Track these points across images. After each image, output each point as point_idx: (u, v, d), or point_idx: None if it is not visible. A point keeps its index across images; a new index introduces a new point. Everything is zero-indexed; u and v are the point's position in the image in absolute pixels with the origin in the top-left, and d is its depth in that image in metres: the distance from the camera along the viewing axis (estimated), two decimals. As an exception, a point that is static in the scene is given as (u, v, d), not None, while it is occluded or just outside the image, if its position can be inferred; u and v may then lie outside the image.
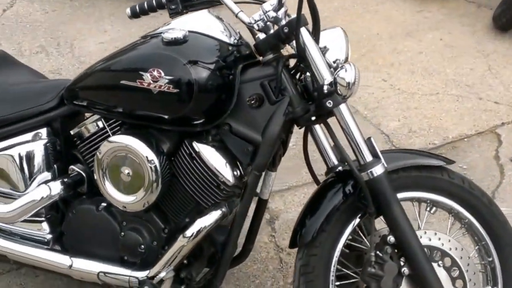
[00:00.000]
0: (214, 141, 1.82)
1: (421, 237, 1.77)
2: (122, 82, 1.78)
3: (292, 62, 1.85)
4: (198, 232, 1.81)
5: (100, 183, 1.87)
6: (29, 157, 2.02)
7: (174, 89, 1.72)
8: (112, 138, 1.83)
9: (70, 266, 1.96)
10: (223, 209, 1.83)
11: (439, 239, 1.81)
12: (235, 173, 1.80)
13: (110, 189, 1.86)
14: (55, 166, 2.04)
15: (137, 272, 1.90)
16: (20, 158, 2.02)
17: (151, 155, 1.78)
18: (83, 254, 1.99)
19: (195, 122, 1.80)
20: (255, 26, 1.79)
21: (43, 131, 2.03)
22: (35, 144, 2.03)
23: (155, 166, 1.78)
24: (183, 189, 1.84)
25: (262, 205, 2.05)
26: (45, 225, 2.06)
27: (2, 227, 2.10)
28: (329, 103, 1.71)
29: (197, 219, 1.82)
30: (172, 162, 1.85)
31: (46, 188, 1.94)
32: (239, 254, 2.12)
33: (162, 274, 1.86)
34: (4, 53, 2.36)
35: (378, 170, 1.72)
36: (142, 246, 1.90)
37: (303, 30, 1.71)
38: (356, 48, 4.14)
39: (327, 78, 1.70)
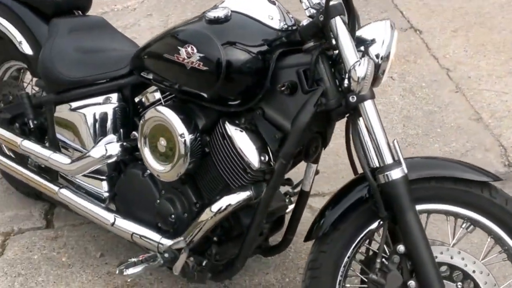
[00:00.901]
0: (246, 123, 1.81)
1: (442, 253, 1.67)
2: (165, 55, 1.85)
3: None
4: (223, 208, 1.83)
5: (141, 149, 1.96)
6: (98, 118, 2.18)
7: (203, 66, 1.75)
8: (155, 108, 1.91)
9: (112, 224, 2.08)
10: (250, 192, 1.83)
11: (463, 258, 1.68)
12: (262, 158, 1.78)
13: (147, 156, 1.95)
14: (121, 130, 2.16)
15: (166, 239, 1.97)
16: (91, 118, 2.18)
17: (182, 129, 1.82)
18: (126, 215, 2.11)
19: (227, 103, 1.81)
20: (307, 12, 1.74)
21: (114, 96, 2.16)
22: (105, 107, 2.17)
23: (185, 141, 1.82)
24: (214, 167, 1.86)
25: (303, 196, 2.03)
26: (104, 184, 2.21)
27: (72, 180, 2.30)
28: (352, 98, 1.63)
29: (224, 197, 1.84)
30: (208, 140, 1.88)
31: (104, 149, 2.07)
32: (279, 244, 2.11)
33: (182, 244, 1.90)
34: (103, 20, 2.54)
35: (395, 174, 1.62)
36: (173, 216, 1.96)
37: (337, 19, 1.63)
38: (508, 49, 3.81)
39: None
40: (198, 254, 1.96)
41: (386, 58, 1.68)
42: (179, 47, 1.79)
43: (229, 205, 1.83)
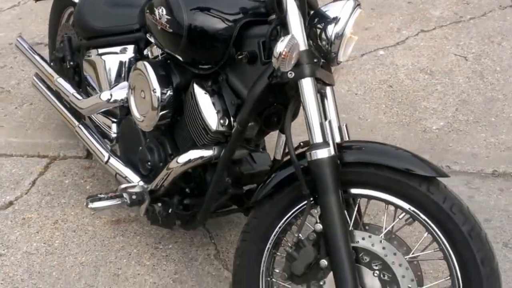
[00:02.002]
0: (212, 87, 1.92)
1: (363, 239, 1.68)
2: (147, 14, 2.00)
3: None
4: (185, 162, 1.95)
5: (129, 97, 2.14)
6: (115, 66, 2.39)
7: (169, 28, 1.87)
8: (140, 62, 2.07)
9: (106, 162, 2.31)
10: (211, 152, 1.95)
11: (384, 248, 1.66)
12: (221, 121, 1.88)
13: (132, 104, 2.13)
14: None
15: (142, 183, 2.15)
16: (109, 64, 2.40)
17: (156, 85, 1.98)
18: (120, 156, 2.33)
19: (195, 65, 1.92)
20: None
21: (130, 48, 2.36)
22: (122, 57, 2.38)
23: (157, 96, 1.98)
24: (185, 124, 2.00)
25: (276, 163, 2.09)
26: (114, 126, 2.44)
27: (92, 118, 2.55)
28: (290, 74, 1.65)
29: (189, 152, 1.97)
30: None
31: (109, 94, 2.29)
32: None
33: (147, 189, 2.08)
34: None
35: (320, 154, 1.63)
36: (149, 163, 2.14)
37: None
38: None
39: None
40: (165, 202, 2.12)
41: (339, 37, 1.67)
42: (154, 8, 1.93)
43: (190, 160, 1.96)
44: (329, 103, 1.82)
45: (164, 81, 1.99)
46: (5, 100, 3.47)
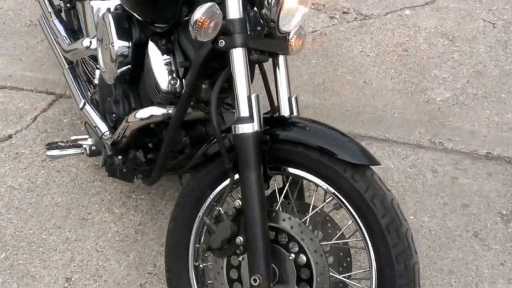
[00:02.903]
0: (167, 46, 1.91)
1: (284, 220, 1.67)
2: None
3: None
4: (141, 117, 1.96)
5: (97, 47, 2.16)
6: (101, 13, 2.40)
7: None
8: (105, 13, 2.07)
9: (81, 108, 2.37)
10: (164, 110, 1.94)
11: (301, 232, 1.64)
12: (172, 82, 1.88)
13: (98, 55, 2.14)
14: None
15: (108, 133, 2.20)
16: (95, 10, 2.38)
17: (114, 38, 1.98)
18: (96, 105, 2.37)
19: (148, 21, 1.93)
20: None
21: None
22: (109, 4, 2.38)
23: (114, 49, 1.98)
24: (144, 81, 2.01)
25: None
26: (97, 73, 2.47)
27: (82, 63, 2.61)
28: (220, 43, 1.62)
29: (146, 108, 1.98)
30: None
31: (89, 41, 2.31)
32: None
33: (109, 141, 2.13)
34: None
35: (242, 129, 1.60)
36: (114, 115, 2.17)
37: None
38: None
39: None
40: (125, 155, 2.17)
41: (275, 4, 1.61)
42: None
43: (145, 116, 1.97)
44: (281, 73, 1.79)
45: (123, 35, 1.99)
46: (30, 34, 3.59)
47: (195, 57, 1.77)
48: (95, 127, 2.29)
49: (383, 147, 2.65)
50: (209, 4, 1.55)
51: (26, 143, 2.79)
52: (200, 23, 1.53)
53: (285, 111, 1.81)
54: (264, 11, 1.64)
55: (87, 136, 2.19)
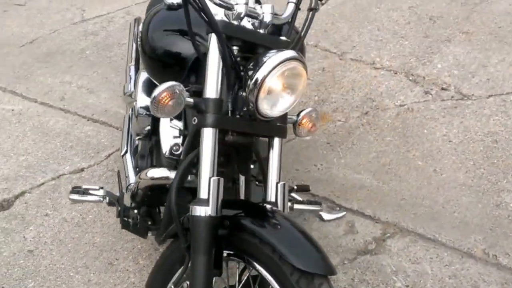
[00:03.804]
0: None
1: None
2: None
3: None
4: (148, 176, 1.99)
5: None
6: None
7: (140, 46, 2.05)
8: (140, 72, 2.20)
9: (123, 155, 2.47)
10: (168, 173, 1.95)
11: None
12: (174, 148, 1.92)
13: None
14: None
15: (132, 186, 2.26)
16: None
17: (137, 95, 2.18)
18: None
19: None
20: None
21: None
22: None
23: (137, 105, 2.15)
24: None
25: None
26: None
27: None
28: (194, 120, 1.62)
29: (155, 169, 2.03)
30: None
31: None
32: None
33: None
34: None
35: (198, 211, 1.56)
36: (137, 169, 2.25)
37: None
38: None
39: None
40: (138, 210, 2.24)
41: (253, 88, 1.55)
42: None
43: (153, 176, 2.00)
44: (273, 157, 1.73)
45: (146, 93, 2.10)
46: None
47: (188, 128, 1.80)
48: (126, 176, 2.39)
49: (427, 248, 2.44)
50: (172, 83, 1.54)
51: (93, 179, 2.99)
52: (157, 100, 1.53)
53: (271, 197, 1.73)
54: (244, 93, 1.60)
55: (97, 187, 2.29)
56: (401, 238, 2.50)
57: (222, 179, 1.60)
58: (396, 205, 2.66)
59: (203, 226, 1.56)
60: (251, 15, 1.68)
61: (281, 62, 1.55)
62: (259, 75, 1.54)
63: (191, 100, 1.59)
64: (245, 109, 1.65)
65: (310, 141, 3.06)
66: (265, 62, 1.55)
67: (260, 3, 1.93)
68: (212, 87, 1.59)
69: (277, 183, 1.74)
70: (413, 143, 2.99)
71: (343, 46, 3.76)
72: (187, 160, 1.67)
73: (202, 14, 1.51)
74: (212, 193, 1.57)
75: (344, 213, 2.60)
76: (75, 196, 2.28)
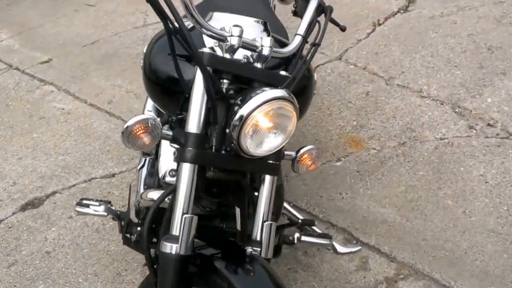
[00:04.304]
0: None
1: None
2: None
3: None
4: (149, 198, 2.00)
5: None
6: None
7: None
8: None
9: (139, 169, 2.50)
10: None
11: None
12: (170, 173, 1.92)
13: None
14: None
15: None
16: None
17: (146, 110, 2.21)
18: None
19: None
20: None
21: None
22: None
23: None
24: None
25: None
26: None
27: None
28: (174, 153, 1.60)
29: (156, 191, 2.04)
30: None
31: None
32: None
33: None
34: None
35: (166, 247, 1.53)
36: (146, 186, 2.26)
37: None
38: None
39: None
40: (139, 227, 2.24)
41: (235, 125, 1.49)
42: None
43: (151, 197, 2.00)
44: (262, 194, 1.69)
45: (153, 112, 2.11)
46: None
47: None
48: (137, 192, 2.41)
49: (440, 295, 2.32)
50: (146, 116, 1.53)
51: (121, 185, 3.04)
52: (128, 132, 1.51)
53: (257, 236, 1.69)
54: (228, 129, 1.56)
55: (97, 203, 2.30)
56: (414, 281, 2.38)
57: (196, 217, 1.57)
58: (415, 245, 2.54)
59: (170, 263, 1.53)
60: (248, 47, 1.64)
61: (267, 101, 1.48)
62: (243, 112, 1.48)
63: (169, 132, 1.57)
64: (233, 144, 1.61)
65: (339, 167, 2.98)
66: (251, 98, 1.49)
67: (269, 33, 1.89)
68: (194, 121, 1.54)
69: (263, 222, 1.69)
70: (447, 180, 2.84)
71: (392, 71, 3.64)
72: (163, 195, 1.65)
73: (185, 45, 1.49)
74: (184, 231, 1.53)
75: (360, 247, 2.51)
76: (80, 209, 2.30)
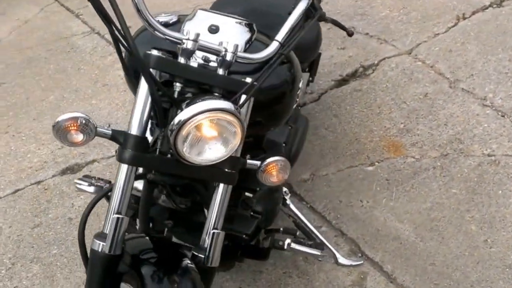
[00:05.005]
0: None
1: None
2: None
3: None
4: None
5: None
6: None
7: None
8: None
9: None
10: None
11: None
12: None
13: None
14: None
15: None
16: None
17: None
18: None
19: None
20: None
21: None
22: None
23: None
24: None
25: None
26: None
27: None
28: (115, 152, 1.63)
29: None
30: None
31: None
32: None
33: None
34: None
35: (95, 245, 1.56)
36: None
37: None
38: None
39: None
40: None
41: (172, 129, 1.46)
42: None
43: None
44: (215, 202, 1.67)
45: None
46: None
47: None
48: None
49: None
50: (78, 114, 1.51)
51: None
52: (58, 127, 1.49)
53: (207, 243, 1.68)
54: (168, 134, 1.51)
55: (93, 181, 2.34)
56: (406, 308, 2.26)
57: (126, 219, 1.59)
58: (421, 268, 2.39)
59: (97, 260, 1.58)
60: (209, 51, 1.60)
61: (207, 111, 1.44)
62: (181, 117, 1.45)
63: (108, 131, 1.57)
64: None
65: (370, 172, 2.85)
66: (192, 105, 1.45)
67: (252, 34, 1.80)
68: (135, 122, 1.54)
69: (213, 231, 1.68)
70: (478, 202, 2.63)
71: (460, 72, 3.38)
72: (100, 193, 1.68)
73: (127, 46, 1.48)
74: (112, 231, 1.56)
75: (362, 262, 2.41)
76: (80, 185, 2.34)
